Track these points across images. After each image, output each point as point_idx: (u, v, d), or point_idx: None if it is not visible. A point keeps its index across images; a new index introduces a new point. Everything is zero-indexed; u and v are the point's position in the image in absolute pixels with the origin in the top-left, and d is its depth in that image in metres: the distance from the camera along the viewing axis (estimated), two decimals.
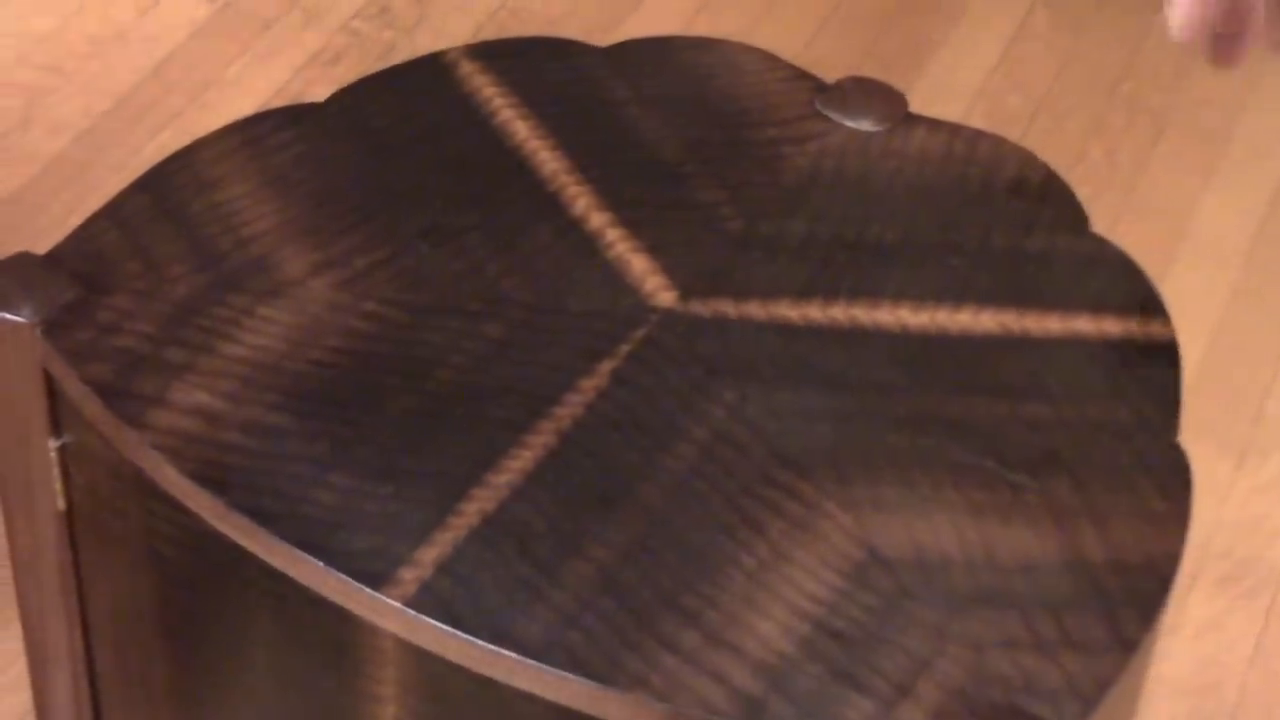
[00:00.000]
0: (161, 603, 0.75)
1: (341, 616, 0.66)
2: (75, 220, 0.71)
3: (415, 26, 2.20)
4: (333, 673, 0.69)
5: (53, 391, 0.73)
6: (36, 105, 2.00)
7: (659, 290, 0.74)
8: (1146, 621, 0.66)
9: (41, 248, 0.73)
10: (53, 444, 0.75)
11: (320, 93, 2.34)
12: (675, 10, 1.98)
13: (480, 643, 0.63)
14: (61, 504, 0.76)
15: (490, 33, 2.09)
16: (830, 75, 0.84)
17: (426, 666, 0.66)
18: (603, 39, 0.86)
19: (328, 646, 0.69)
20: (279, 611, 0.70)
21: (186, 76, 2.23)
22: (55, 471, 0.75)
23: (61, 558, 0.77)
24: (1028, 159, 0.81)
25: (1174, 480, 0.70)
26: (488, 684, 0.65)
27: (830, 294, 0.75)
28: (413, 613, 0.64)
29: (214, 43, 2.29)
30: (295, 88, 2.20)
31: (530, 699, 0.65)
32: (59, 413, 0.74)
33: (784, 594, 0.65)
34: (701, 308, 0.74)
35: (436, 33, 2.22)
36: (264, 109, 2.45)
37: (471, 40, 2.15)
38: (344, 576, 0.65)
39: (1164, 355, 0.74)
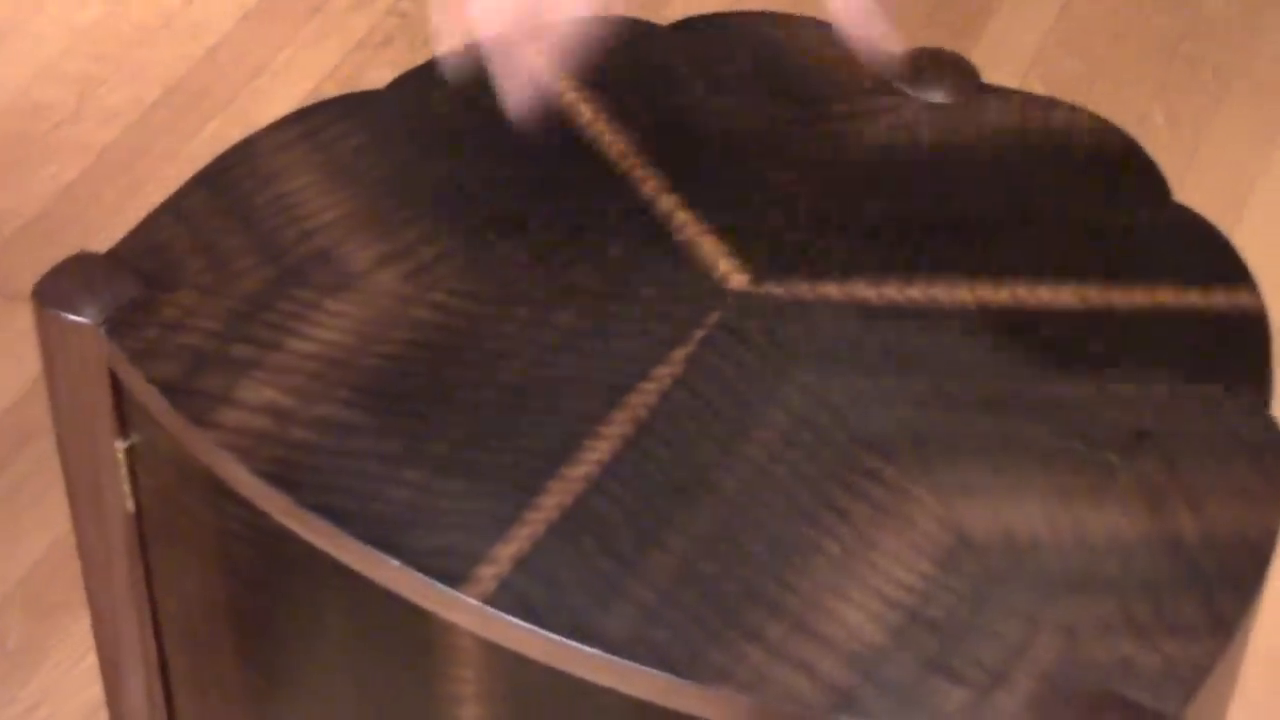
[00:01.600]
0: (233, 602, 0.74)
1: (418, 615, 0.65)
2: (129, 211, 0.70)
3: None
4: (410, 672, 0.68)
5: (119, 392, 0.72)
6: (87, 96, 2.00)
7: (732, 273, 0.73)
8: (1244, 602, 0.64)
9: (96, 240, 0.71)
10: (120, 445, 0.74)
11: (373, 76, 2.34)
12: None
13: (562, 639, 0.62)
14: (130, 506, 0.75)
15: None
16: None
17: (507, 665, 0.65)
18: (651, 17, 0.84)
19: (405, 645, 0.68)
20: (353, 610, 0.69)
21: (236, 63, 2.23)
22: (123, 473, 0.74)
23: (131, 559, 0.77)
24: (1105, 127, 0.79)
25: (1269, 456, 0.68)
26: (570, 681, 0.64)
27: (908, 273, 0.73)
28: (492, 611, 0.63)
29: (262, 28, 2.28)
30: (346, 71, 2.19)
31: (613, 694, 0.63)
32: (126, 413, 0.73)
33: (871, 581, 0.64)
34: (776, 289, 0.72)
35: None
36: (316, 94, 2.45)
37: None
38: (421, 575, 0.63)
39: (1253, 327, 0.72)
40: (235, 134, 2.20)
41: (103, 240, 0.75)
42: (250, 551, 0.71)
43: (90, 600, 0.80)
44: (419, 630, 0.66)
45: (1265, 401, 0.70)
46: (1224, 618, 0.63)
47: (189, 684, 0.80)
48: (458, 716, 0.68)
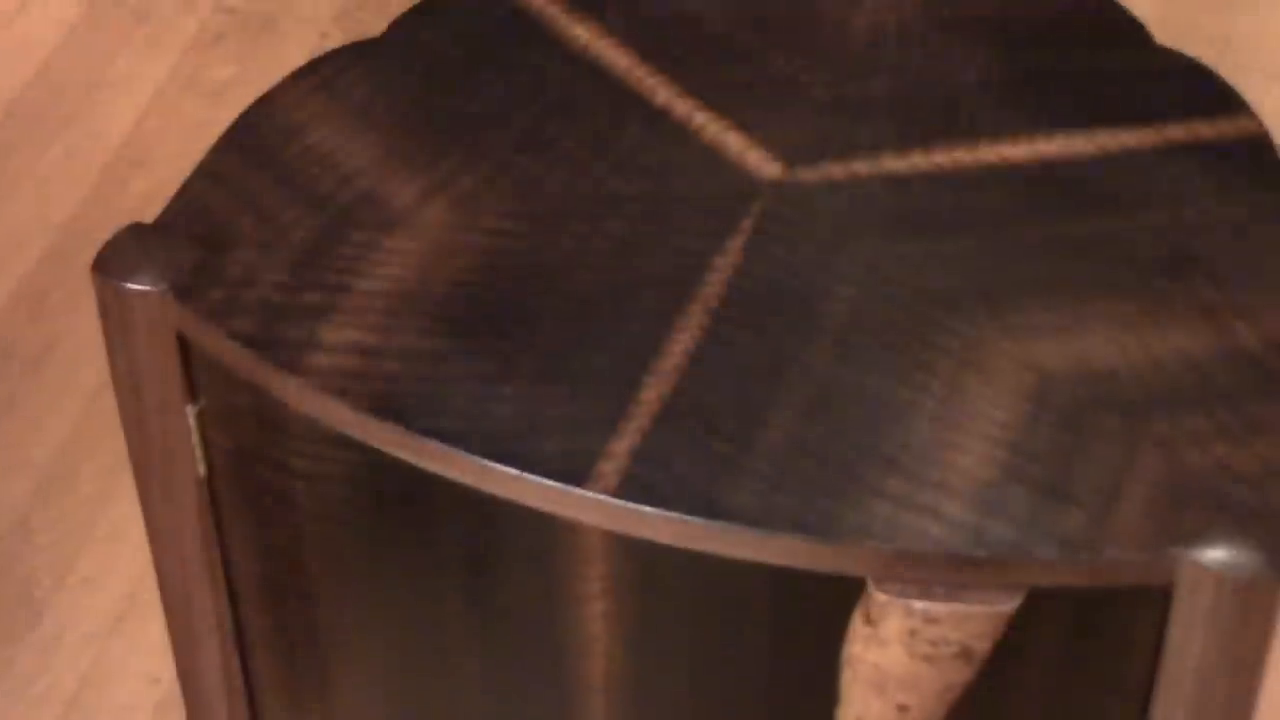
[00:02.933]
0: (325, 549, 0.75)
1: (539, 523, 0.67)
2: None
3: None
4: (532, 580, 0.70)
5: (186, 357, 0.73)
6: None
7: (763, 164, 0.75)
8: None
9: None
10: (191, 410, 0.74)
11: (213, 75, 2.31)
12: None
13: (695, 519, 0.64)
14: (202, 470, 0.75)
15: None
16: None
17: (635, 556, 0.67)
18: None
19: (524, 556, 0.69)
20: (466, 534, 0.70)
21: (71, 78, 2.20)
22: (195, 438, 0.75)
23: (204, 524, 0.77)
24: None
25: None
26: (696, 564, 0.66)
27: (928, 141, 0.76)
28: (620, 502, 0.64)
29: (91, 40, 2.25)
30: (185, 73, 2.18)
31: (742, 573, 0.66)
32: (194, 378, 0.73)
33: (971, 427, 0.66)
34: (809, 173, 0.75)
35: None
36: (159, 100, 2.41)
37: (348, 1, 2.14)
38: (545, 479, 0.65)
39: (1261, 148, 0.76)
40: (87, 149, 2.19)
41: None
42: (345, 493, 0.72)
43: (160, 579, 0.80)
44: (540, 538, 0.68)
45: None
46: None
47: (267, 648, 0.81)
48: (585, 615, 0.69)
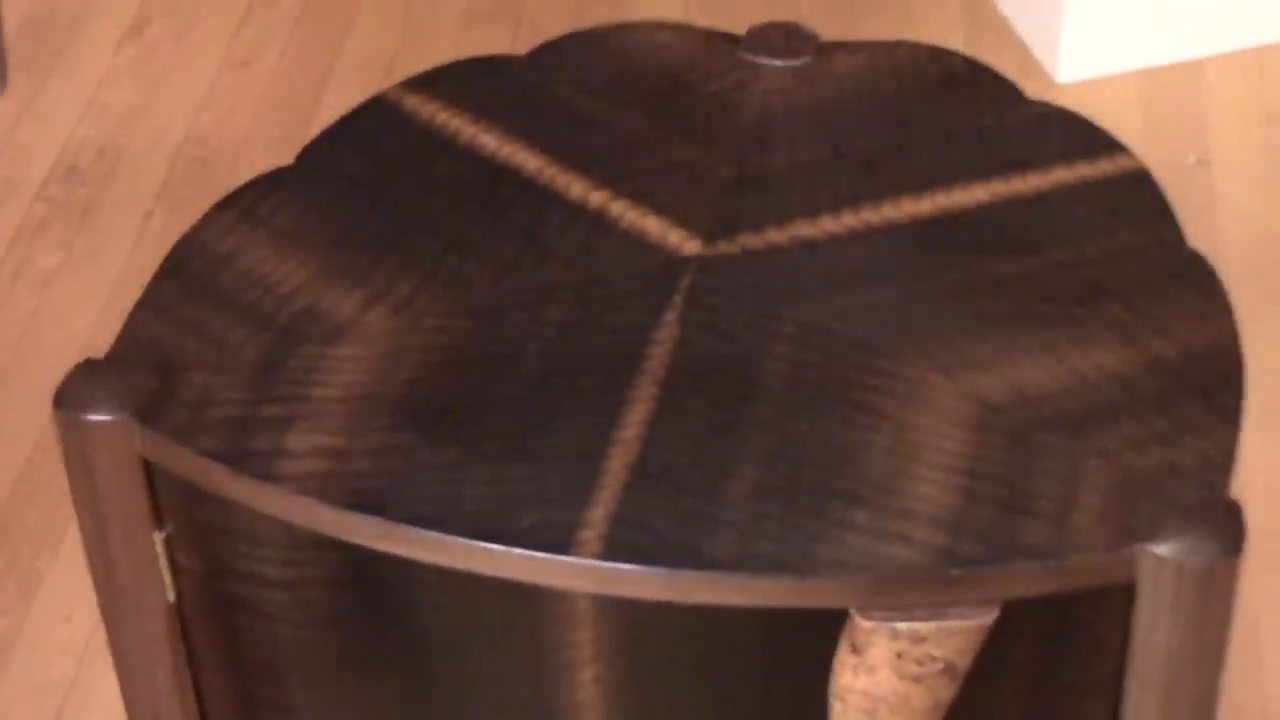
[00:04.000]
0: (303, 664, 0.76)
1: (525, 596, 0.69)
2: None
3: (107, 179, 2.19)
4: (521, 652, 0.72)
5: (150, 484, 0.74)
6: None
7: (683, 242, 0.78)
8: (1238, 396, 0.72)
9: None
10: (158, 536, 0.75)
11: (43, 261, 2.30)
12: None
13: (680, 571, 0.67)
14: (171, 595, 0.77)
15: (181, 170, 2.09)
16: None
17: (621, 618, 0.69)
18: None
19: (512, 630, 0.71)
20: (450, 621, 0.72)
21: None
22: (163, 563, 0.76)
23: (176, 652, 0.78)
24: (943, 52, 0.87)
25: (1202, 277, 0.76)
26: (681, 620, 0.68)
27: (835, 206, 0.80)
28: (607, 565, 0.67)
29: None
30: (12, 265, 2.17)
31: (727, 622, 0.68)
32: (159, 504, 0.75)
33: (925, 458, 0.70)
34: (728, 246, 0.78)
35: (132, 177, 2.21)
36: None
37: (168, 177, 2.15)
38: (530, 552, 0.67)
39: (1142, 181, 0.80)
40: None
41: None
42: (325, 595, 0.74)
43: (127, 700, 0.81)
44: (523, 613, 0.70)
45: (1179, 235, 0.78)
46: (1228, 411, 0.71)
47: None
48: (576, 683, 0.71)
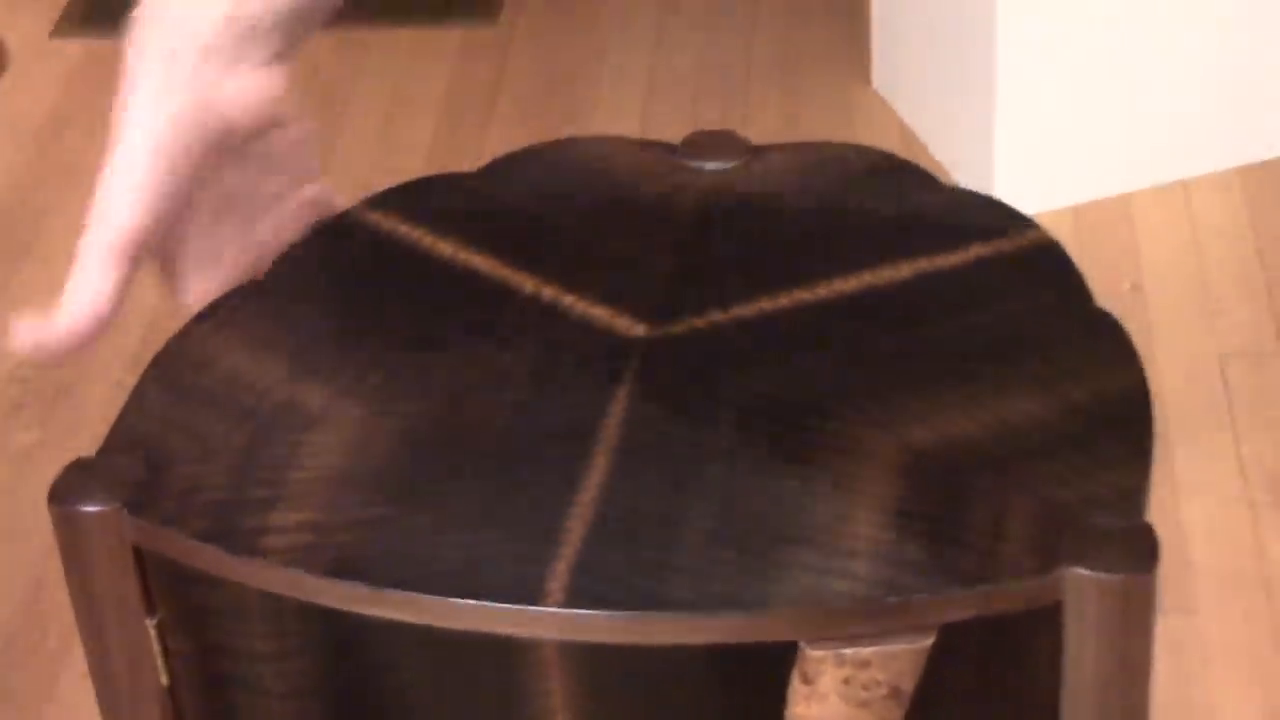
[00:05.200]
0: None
1: (500, 650, 0.73)
2: None
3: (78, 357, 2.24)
4: (499, 705, 0.76)
5: (142, 573, 0.79)
6: None
7: (630, 326, 0.84)
8: (1148, 433, 0.77)
9: None
10: (150, 622, 0.80)
11: (19, 440, 2.34)
12: None
13: (639, 614, 0.71)
14: (164, 678, 0.81)
15: (155, 339, 2.15)
16: None
17: (589, 664, 0.74)
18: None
19: (489, 685, 0.76)
20: (430, 679, 0.77)
21: None
22: (156, 648, 0.80)
23: None
24: (864, 149, 0.93)
25: (1112, 330, 0.82)
26: (644, 662, 0.73)
27: (771, 289, 0.86)
28: (570, 612, 0.72)
29: None
30: None
31: (684, 663, 0.73)
32: (150, 591, 0.79)
33: (863, 502, 0.75)
34: (674, 328, 0.84)
35: (104, 351, 2.27)
36: None
37: (139, 349, 2.20)
38: (501, 605, 0.72)
39: (1052, 249, 0.87)
40: None
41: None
42: (312, 665, 0.78)
43: None
44: (499, 664, 0.75)
45: (1088, 296, 0.84)
46: (1140, 446, 0.77)
47: None
48: None
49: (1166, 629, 1.88)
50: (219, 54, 0.84)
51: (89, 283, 0.84)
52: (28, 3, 3.04)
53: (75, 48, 2.93)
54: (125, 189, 0.83)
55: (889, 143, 2.48)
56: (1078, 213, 2.41)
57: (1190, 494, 2.02)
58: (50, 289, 2.52)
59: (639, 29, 2.87)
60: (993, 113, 2.37)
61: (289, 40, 0.85)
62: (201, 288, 0.88)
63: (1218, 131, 2.45)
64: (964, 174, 2.40)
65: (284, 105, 0.86)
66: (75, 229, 2.46)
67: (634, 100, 2.68)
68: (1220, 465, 2.05)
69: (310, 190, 0.90)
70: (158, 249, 0.86)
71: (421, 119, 2.69)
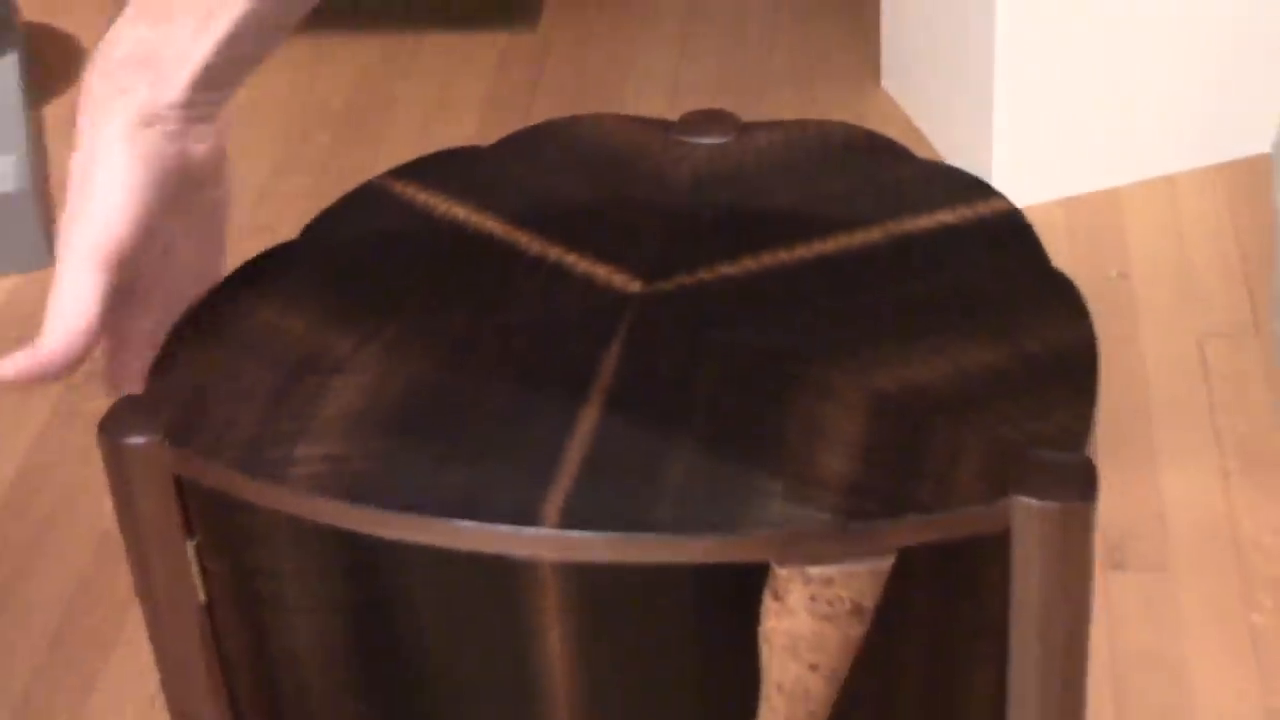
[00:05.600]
0: (315, 646, 0.82)
1: (499, 569, 0.75)
2: None
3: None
4: (498, 625, 0.78)
5: (182, 500, 0.81)
6: None
7: (627, 283, 0.86)
8: (1093, 379, 0.79)
9: None
10: (189, 544, 0.82)
11: (96, 405, 2.36)
12: None
13: (627, 535, 0.73)
14: (202, 596, 0.83)
15: None
16: None
17: (580, 582, 0.76)
18: None
19: (491, 601, 0.78)
20: (437, 598, 0.79)
21: None
22: (195, 568, 0.82)
23: (208, 646, 0.84)
24: (849, 126, 0.95)
25: (1065, 287, 0.84)
26: (631, 581, 0.75)
27: (755, 251, 0.87)
28: (565, 533, 0.73)
29: None
30: (66, 408, 2.25)
31: (668, 582, 0.75)
32: (189, 517, 0.81)
33: (831, 439, 0.76)
34: (665, 285, 0.86)
35: None
36: (47, 430, 2.45)
37: None
38: (502, 527, 0.74)
39: (1014, 218, 0.88)
40: None
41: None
42: (329, 584, 0.80)
43: (168, 693, 0.86)
44: (500, 584, 0.77)
45: (1045, 258, 0.85)
46: (1085, 392, 0.78)
47: None
48: (546, 642, 0.77)
49: (1143, 585, 1.89)
50: (191, 111, 0.81)
51: (74, 294, 0.79)
52: (103, 6, 3.07)
53: None
54: (108, 203, 0.80)
55: (895, 137, 2.50)
56: (1069, 204, 2.42)
57: (1168, 462, 2.03)
58: None
59: (665, 36, 2.89)
60: (991, 111, 2.38)
61: (236, 83, 0.83)
62: (138, 365, 0.85)
63: (1201, 130, 2.46)
64: (964, 167, 2.41)
65: (224, 158, 0.84)
66: None
67: (660, 101, 2.69)
68: (1196, 436, 2.06)
69: (211, 266, 0.87)
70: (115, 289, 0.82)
71: (465, 117, 2.71)
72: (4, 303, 2.43)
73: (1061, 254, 2.38)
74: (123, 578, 2.02)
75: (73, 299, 0.80)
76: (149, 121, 0.81)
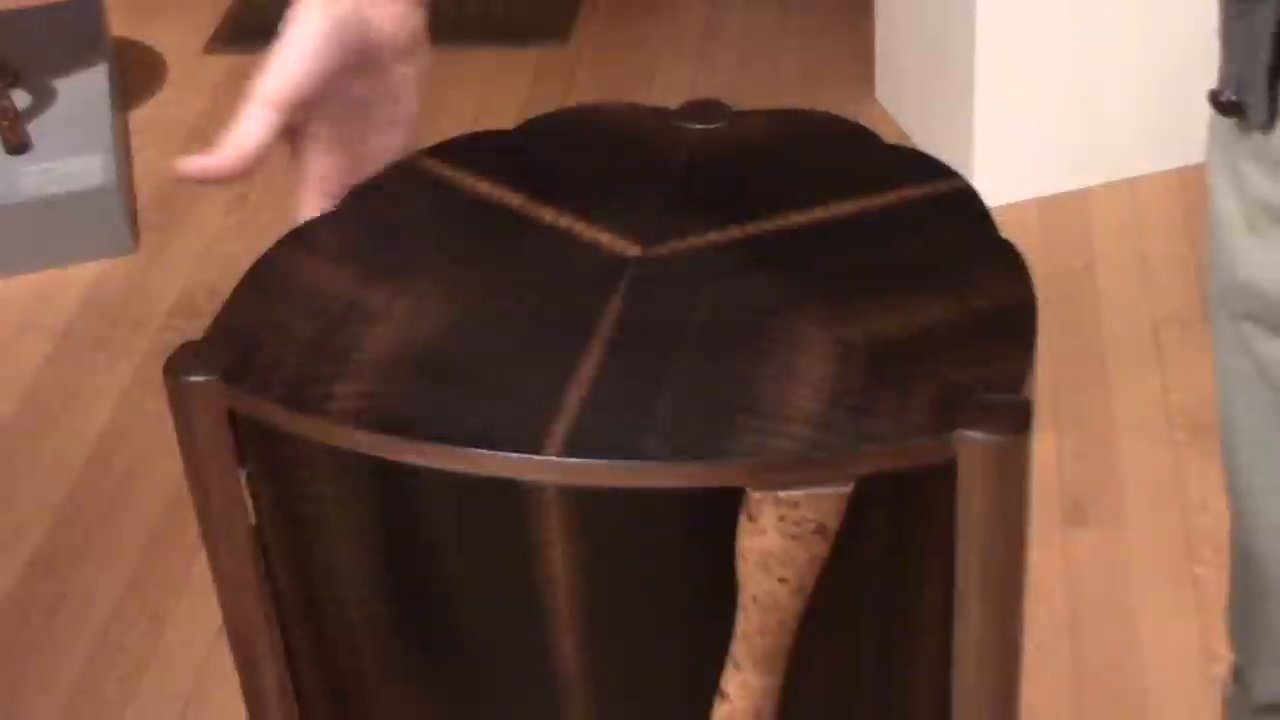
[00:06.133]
0: (351, 565, 0.84)
1: (510, 492, 0.77)
2: None
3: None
4: (509, 538, 0.80)
5: (235, 433, 0.83)
6: None
7: (627, 247, 0.88)
8: (1032, 332, 0.81)
9: None
10: (242, 473, 0.84)
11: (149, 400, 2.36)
12: None
13: (622, 463, 0.75)
14: (253, 519, 0.85)
15: None
16: None
17: (580, 504, 0.78)
18: None
19: (501, 525, 0.80)
20: (456, 517, 0.81)
21: (53, 395, 2.29)
22: (245, 493, 0.85)
23: (258, 564, 0.87)
24: (830, 116, 0.97)
25: (1011, 254, 0.85)
26: (627, 504, 0.77)
27: (740, 220, 0.89)
28: (567, 459, 0.76)
29: (64, 366, 2.34)
30: (145, 376, 2.27)
31: (658, 506, 0.77)
32: (241, 448, 0.84)
33: (801, 382, 0.79)
34: (661, 249, 0.88)
35: None
36: (127, 398, 2.49)
37: None
38: (511, 453, 0.76)
39: (969, 196, 0.90)
40: (72, 446, 2.27)
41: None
42: (363, 508, 0.82)
43: (224, 606, 0.89)
44: (509, 505, 0.79)
45: (994, 229, 0.87)
46: (1024, 343, 0.80)
47: (310, 662, 0.90)
48: (549, 556, 0.80)
49: (1100, 539, 1.91)
50: None
51: (244, 129, 0.86)
52: (185, 23, 3.10)
53: (223, 62, 2.98)
54: (288, 58, 0.86)
55: None
56: (1041, 204, 2.43)
57: (1124, 432, 2.05)
58: (196, 254, 2.57)
59: (684, 51, 2.91)
60: (971, 120, 2.40)
61: None
62: (313, 201, 0.92)
63: (1161, 139, 2.47)
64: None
65: (415, 44, 0.90)
66: (212, 213, 2.52)
67: None
68: (1150, 410, 2.07)
69: (404, 132, 0.94)
70: (295, 135, 0.90)
71: (504, 121, 2.72)
72: (93, 283, 2.46)
73: (1034, 248, 2.39)
74: (191, 528, 2.05)
75: (244, 125, 0.86)
76: None
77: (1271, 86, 0.83)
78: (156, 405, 2.20)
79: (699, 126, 0.97)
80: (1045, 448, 2.00)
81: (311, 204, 0.93)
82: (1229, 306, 0.93)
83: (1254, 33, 0.82)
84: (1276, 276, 0.88)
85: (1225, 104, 0.86)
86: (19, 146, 2.60)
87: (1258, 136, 0.86)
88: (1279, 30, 0.81)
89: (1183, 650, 1.76)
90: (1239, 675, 1.05)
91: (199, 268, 2.49)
